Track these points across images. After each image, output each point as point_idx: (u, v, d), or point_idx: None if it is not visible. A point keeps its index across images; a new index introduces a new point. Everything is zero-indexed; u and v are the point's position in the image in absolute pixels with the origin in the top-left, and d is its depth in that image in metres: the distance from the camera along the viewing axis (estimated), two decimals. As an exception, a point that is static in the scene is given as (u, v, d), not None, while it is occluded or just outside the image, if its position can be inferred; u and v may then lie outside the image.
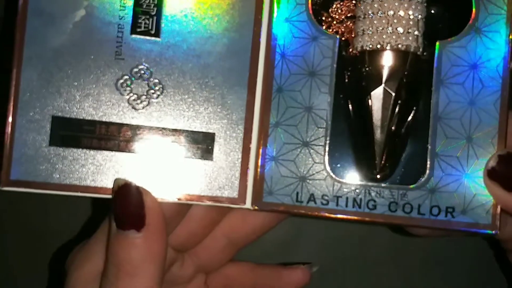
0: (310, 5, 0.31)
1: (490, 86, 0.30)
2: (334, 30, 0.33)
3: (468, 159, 0.29)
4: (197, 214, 0.32)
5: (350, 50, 0.32)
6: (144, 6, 0.30)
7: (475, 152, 0.29)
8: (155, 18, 0.30)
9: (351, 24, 0.33)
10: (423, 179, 0.30)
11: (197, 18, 0.30)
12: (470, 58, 0.30)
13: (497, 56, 0.30)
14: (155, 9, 0.30)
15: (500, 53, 0.30)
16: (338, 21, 0.33)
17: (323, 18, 0.33)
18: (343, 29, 0.33)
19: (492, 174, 0.29)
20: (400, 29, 0.30)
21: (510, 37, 0.30)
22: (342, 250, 0.42)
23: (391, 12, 0.30)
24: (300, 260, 0.38)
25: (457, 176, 0.29)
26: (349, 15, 0.33)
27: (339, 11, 0.33)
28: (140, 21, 0.30)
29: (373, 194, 0.30)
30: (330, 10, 0.33)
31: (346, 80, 0.32)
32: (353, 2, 0.33)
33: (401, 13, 0.30)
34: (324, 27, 0.32)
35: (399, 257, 0.42)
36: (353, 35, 0.32)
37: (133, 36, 0.30)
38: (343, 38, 0.33)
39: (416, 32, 0.30)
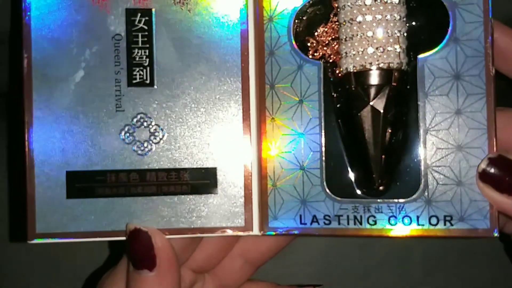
0: (293, 35, 0.32)
1: (474, 93, 0.30)
2: (321, 53, 0.34)
3: (461, 167, 0.30)
4: (213, 238, 0.34)
5: (337, 72, 0.33)
6: (137, 59, 0.32)
7: (466, 159, 0.30)
8: (148, 68, 0.32)
9: (336, 46, 0.34)
10: (418, 191, 0.31)
11: (187, 65, 0.32)
12: (452, 68, 0.30)
13: (479, 63, 0.30)
14: (148, 60, 0.32)
15: (481, 60, 0.30)
16: (323, 44, 0.34)
17: (309, 44, 0.34)
18: (329, 52, 0.34)
19: (484, 177, 0.29)
20: (381, 49, 0.31)
21: (487, 43, 0.30)
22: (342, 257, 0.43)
23: (370, 33, 0.31)
24: (301, 266, 0.40)
25: (451, 185, 0.30)
26: (334, 36, 0.34)
27: (325, 34, 0.34)
28: (135, 73, 0.32)
29: (372, 210, 0.31)
30: (316, 34, 0.34)
31: (336, 102, 0.33)
32: (337, 23, 0.34)
33: (380, 32, 0.31)
34: (310, 52, 0.34)
35: (400, 263, 0.43)
36: (338, 57, 0.33)
37: (130, 88, 0.32)
38: (330, 60, 0.34)
39: (397, 49, 0.31)
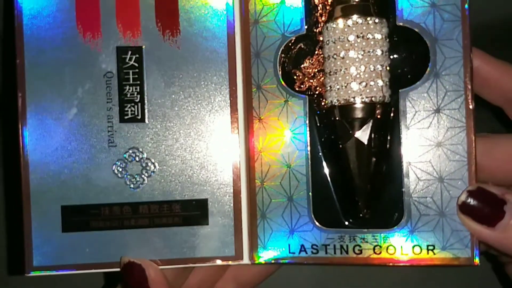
0: (279, 71, 0.33)
1: (455, 126, 0.31)
2: (307, 85, 0.35)
3: (442, 198, 0.31)
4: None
5: (323, 104, 0.34)
6: (128, 95, 0.33)
7: (447, 190, 0.31)
8: (139, 104, 0.33)
9: (322, 78, 0.35)
10: (402, 221, 0.32)
11: (177, 100, 0.33)
12: (433, 102, 0.31)
13: (459, 97, 0.31)
14: (139, 96, 0.33)
15: (461, 94, 0.31)
16: (309, 76, 0.35)
17: (295, 76, 0.35)
18: (315, 84, 0.35)
19: (464, 209, 0.30)
20: (364, 83, 0.32)
21: (467, 78, 0.31)
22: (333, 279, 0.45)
23: (353, 69, 0.32)
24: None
25: (433, 215, 0.31)
26: (319, 68, 0.35)
27: (311, 66, 0.35)
28: (126, 109, 0.33)
29: (358, 239, 0.32)
30: (302, 67, 0.35)
31: (322, 133, 0.34)
32: (322, 56, 0.35)
33: (363, 68, 0.32)
34: (297, 84, 0.35)
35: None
36: (324, 89, 0.34)
37: (122, 123, 0.33)
38: (316, 92, 0.35)
39: (380, 83, 0.32)
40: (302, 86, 0.35)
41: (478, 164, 0.31)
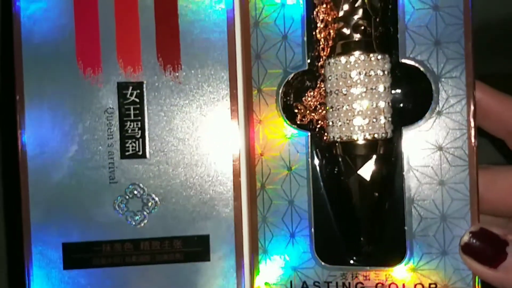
0: (281, 106, 0.33)
1: (457, 165, 0.31)
2: (308, 119, 0.35)
3: (445, 237, 0.31)
4: None
5: (325, 138, 0.34)
6: (129, 131, 0.33)
7: (450, 229, 0.31)
8: (140, 140, 0.33)
9: (324, 112, 0.34)
10: (405, 260, 0.32)
11: (178, 136, 0.33)
12: (435, 140, 0.31)
13: (462, 136, 0.31)
14: (140, 132, 0.33)
15: (464, 132, 0.31)
16: (311, 109, 0.35)
17: (296, 111, 0.35)
18: (317, 117, 0.35)
19: (466, 249, 0.30)
20: (366, 120, 0.32)
21: (471, 116, 0.31)
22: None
23: (356, 105, 0.32)
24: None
25: (436, 254, 0.31)
26: (321, 101, 0.35)
27: (312, 99, 0.35)
28: (127, 145, 0.33)
29: (360, 277, 0.32)
30: (303, 99, 0.35)
31: (324, 168, 0.34)
32: (324, 89, 0.34)
33: (365, 104, 0.32)
34: (298, 117, 0.35)
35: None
36: (326, 123, 0.34)
37: (123, 160, 0.33)
38: (318, 126, 0.35)
39: (382, 120, 0.32)
40: (304, 119, 0.35)
41: (480, 196, 0.31)
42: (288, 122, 0.33)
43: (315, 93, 0.35)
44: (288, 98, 0.34)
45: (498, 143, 0.37)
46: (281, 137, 0.33)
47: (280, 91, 0.33)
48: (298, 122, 0.35)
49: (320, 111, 0.35)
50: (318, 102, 0.35)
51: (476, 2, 0.31)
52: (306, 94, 0.35)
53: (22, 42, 0.32)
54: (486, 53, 0.34)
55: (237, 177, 0.34)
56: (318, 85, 0.35)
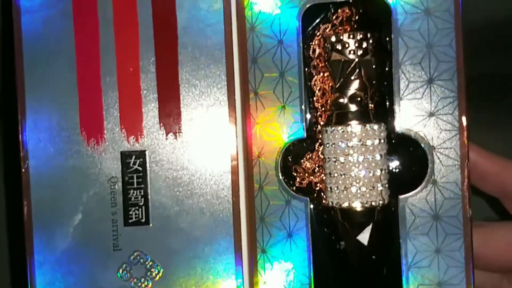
0: (280, 170, 0.34)
1: (453, 233, 0.32)
2: (307, 181, 0.36)
3: (442, 303, 0.32)
4: None
5: (324, 201, 0.35)
6: (133, 199, 0.34)
7: (447, 298, 0.32)
8: (143, 207, 0.34)
9: (322, 175, 0.35)
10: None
11: (181, 202, 0.34)
12: (431, 209, 0.32)
13: (456, 205, 0.32)
14: (143, 199, 0.34)
15: (458, 202, 0.32)
16: (310, 172, 0.36)
17: (295, 173, 0.36)
18: (315, 180, 0.36)
19: None
20: (363, 188, 0.33)
21: (465, 185, 0.32)
22: None
23: (353, 174, 0.33)
24: None
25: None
26: (319, 164, 0.36)
27: (311, 161, 0.36)
28: (131, 213, 0.34)
29: None
30: (302, 161, 0.36)
31: (322, 230, 0.35)
32: (322, 154, 0.35)
33: (362, 173, 0.33)
34: (297, 180, 0.35)
35: None
36: (324, 185, 0.35)
37: (126, 227, 0.34)
38: (316, 188, 0.35)
39: (379, 187, 0.33)
40: (302, 182, 0.36)
41: (475, 253, 0.32)
42: (287, 187, 0.34)
43: (314, 156, 0.36)
44: (287, 161, 0.35)
45: (493, 200, 0.38)
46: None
47: (280, 157, 0.34)
48: (297, 185, 0.35)
49: (318, 173, 0.35)
50: (316, 165, 0.36)
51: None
52: (305, 157, 0.36)
53: (26, 116, 0.33)
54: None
55: (239, 241, 0.34)
56: (316, 149, 0.35)
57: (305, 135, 0.34)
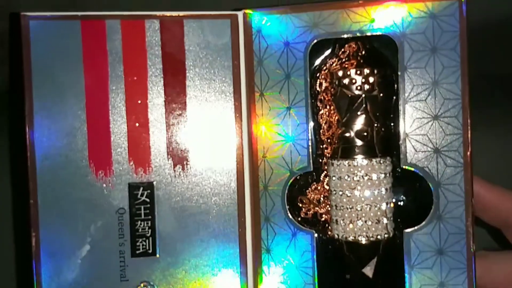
0: (286, 200, 0.35)
1: (456, 268, 0.32)
2: (312, 212, 0.36)
3: (445, 336, 0.33)
4: None
5: (329, 233, 0.35)
6: (140, 230, 0.34)
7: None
8: (150, 238, 0.34)
9: (328, 206, 0.36)
10: None
11: (188, 233, 0.34)
12: (435, 244, 0.33)
13: (460, 240, 0.32)
14: (150, 230, 0.34)
15: (463, 237, 0.32)
16: (315, 202, 0.36)
17: (301, 205, 0.36)
18: (321, 211, 0.36)
19: None
20: (369, 222, 0.33)
21: (469, 221, 0.32)
22: None
23: (359, 207, 0.33)
24: None
25: None
26: (325, 194, 0.36)
27: (317, 192, 0.36)
28: (138, 244, 0.34)
29: None
30: (307, 191, 0.36)
31: (329, 261, 0.35)
32: (327, 185, 0.36)
33: (368, 207, 0.33)
34: (303, 211, 0.36)
35: None
36: (329, 217, 0.35)
37: (134, 258, 0.34)
38: (322, 219, 0.36)
39: (384, 221, 0.33)
40: (308, 213, 0.36)
41: (478, 284, 0.33)
42: (294, 221, 0.34)
43: (319, 186, 0.36)
44: (292, 192, 0.36)
45: (495, 229, 0.38)
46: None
47: (286, 190, 0.35)
48: (303, 216, 0.36)
49: (324, 204, 0.36)
50: (322, 195, 0.36)
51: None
52: (310, 188, 0.36)
53: (35, 146, 0.33)
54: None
55: (244, 264, 0.35)
56: (321, 179, 0.36)
57: (312, 168, 0.34)
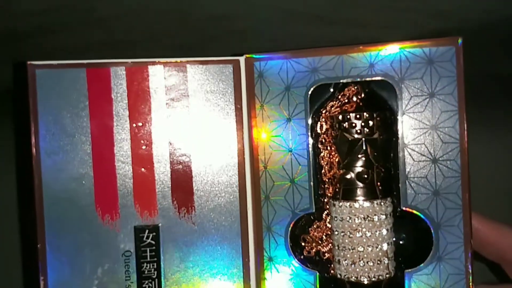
0: (289, 239, 0.35)
1: (457, 307, 0.33)
2: (315, 250, 0.37)
3: None
4: None
5: (332, 272, 0.36)
6: (146, 272, 0.35)
7: None
8: (156, 280, 0.35)
9: (330, 245, 0.36)
10: None
11: (193, 275, 0.35)
12: (436, 284, 0.33)
13: (460, 280, 0.33)
14: (156, 272, 0.35)
15: (462, 278, 0.33)
16: (317, 240, 0.37)
17: (304, 243, 0.37)
18: (324, 249, 0.37)
19: None
20: (371, 263, 0.34)
21: (469, 261, 0.33)
22: None
23: (360, 248, 0.34)
24: None
25: None
26: (327, 232, 0.37)
27: (319, 230, 0.37)
28: (144, 285, 0.35)
29: None
30: (310, 229, 0.37)
31: None
32: (329, 223, 0.36)
33: (369, 248, 0.34)
34: (306, 249, 0.37)
35: None
36: (332, 255, 0.36)
37: (140, 300, 0.35)
38: (324, 257, 0.37)
39: (386, 261, 0.34)
40: (311, 251, 0.37)
41: None
42: (297, 261, 0.35)
43: (321, 224, 0.37)
44: (295, 232, 0.36)
45: (494, 263, 0.39)
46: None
47: (289, 229, 0.35)
48: (305, 254, 0.37)
49: (326, 242, 0.37)
50: (324, 234, 0.37)
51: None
52: (313, 226, 0.37)
53: (43, 192, 0.34)
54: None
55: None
56: (323, 217, 0.37)
57: (314, 209, 0.35)
